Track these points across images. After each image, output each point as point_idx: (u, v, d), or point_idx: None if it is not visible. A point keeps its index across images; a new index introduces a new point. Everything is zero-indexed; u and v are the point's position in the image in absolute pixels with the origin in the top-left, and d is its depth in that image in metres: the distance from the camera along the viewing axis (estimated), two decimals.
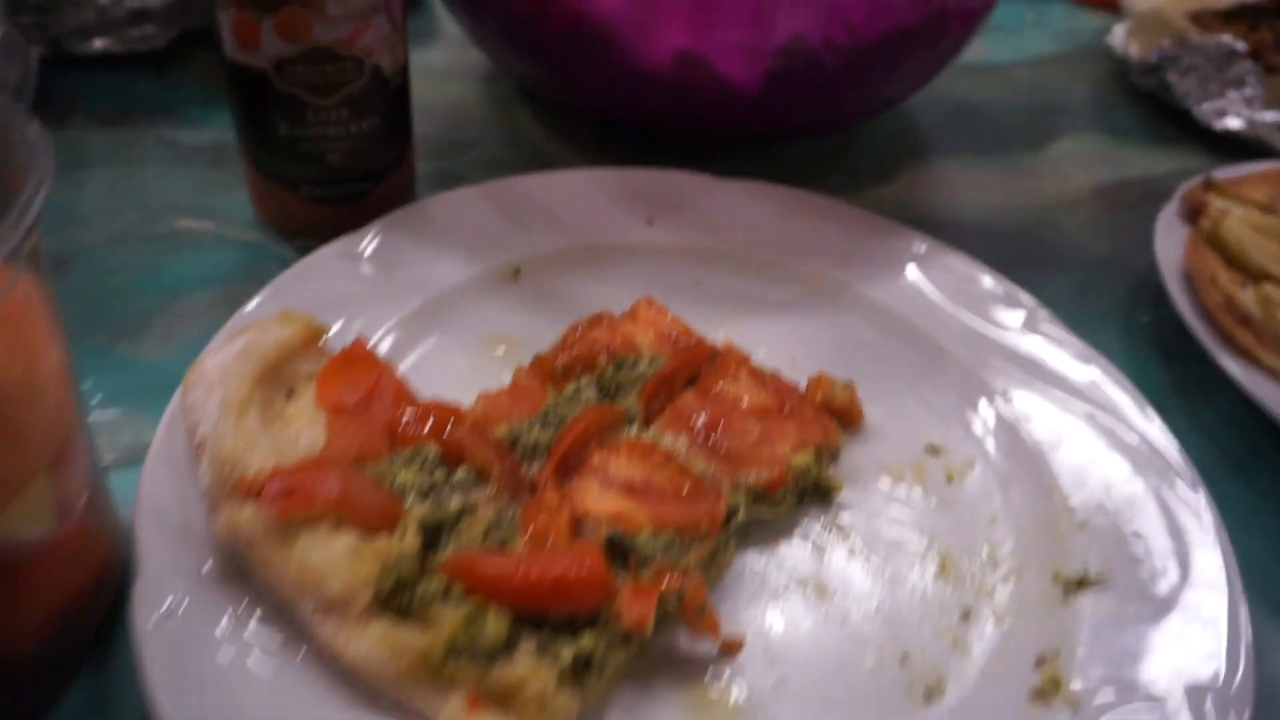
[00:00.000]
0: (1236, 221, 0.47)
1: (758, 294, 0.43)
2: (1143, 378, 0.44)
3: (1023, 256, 0.51)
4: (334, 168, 0.42)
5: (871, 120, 0.60)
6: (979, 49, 0.73)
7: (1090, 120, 0.66)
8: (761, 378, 0.36)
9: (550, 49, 0.48)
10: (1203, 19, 0.68)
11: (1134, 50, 0.67)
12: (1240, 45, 0.62)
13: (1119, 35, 0.69)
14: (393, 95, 0.42)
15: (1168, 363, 0.44)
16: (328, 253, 0.39)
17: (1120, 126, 0.65)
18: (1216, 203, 0.49)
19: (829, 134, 0.58)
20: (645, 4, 0.43)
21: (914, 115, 0.63)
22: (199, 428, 0.29)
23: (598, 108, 0.52)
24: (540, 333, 0.40)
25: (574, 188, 0.45)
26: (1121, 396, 0.37)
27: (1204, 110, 0.62)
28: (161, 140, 0.52)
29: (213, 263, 0.44)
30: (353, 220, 0.43)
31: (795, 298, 0.43)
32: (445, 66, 0.62)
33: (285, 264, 0.44)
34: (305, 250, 0.41)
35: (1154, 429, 0.36)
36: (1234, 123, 0.61)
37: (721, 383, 0.36)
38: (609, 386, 0.35)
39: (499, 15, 0.48)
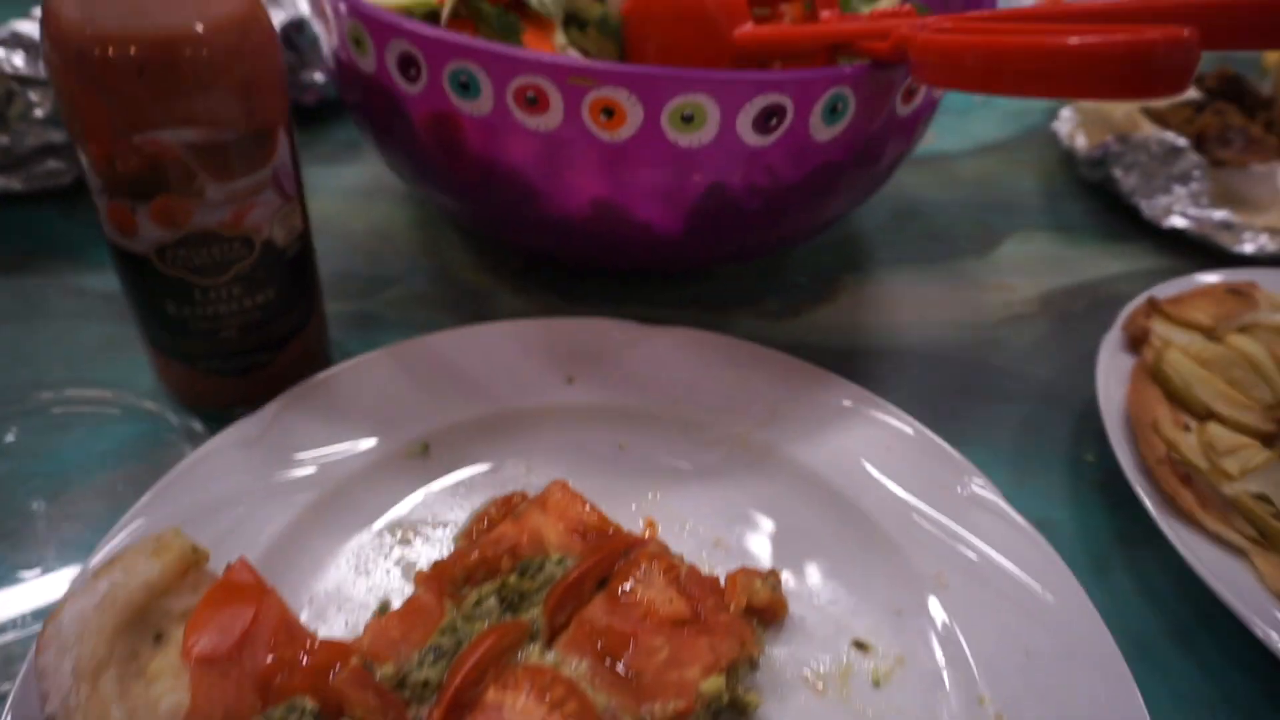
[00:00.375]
0: (1179, 355, 0.46)
1: (682, 458, 0.41)
2: (1087, 528, 0.42)
3: (966, 385, 0.49)
4: (230, 342, 0.40)
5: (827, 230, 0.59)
6: (925, 135, 0.72)
7: (1038, 216, 0.64)
8: (677, 575, 0.34)
9: (465, 191, 0.46)
10: (1151, 109, 0.67)
11: (1080, 143, 0.66)
12: (1182, 141, 0.61)
13: (1065, 123, 0.68)
14: (290, 264, 0.40)
15: (1113, 510, 0.43)
16: (218, 445, 0.37)
17: (1068, 222, 0.64)
18: (1159, 330, 0.48)
19: (764, 258, 0.56)
20: (555, 157, 0.41)
21: (856, 219, 0.61)
22: (49, 698, 0.27)
23: (521, 244, 0.50)
24: (450, 518, 0.38)
25: (489, 345, 0.43)
26: (1059, 581, 0.35)
27: (1150, 208, 0.61)
28: (66, 288, 0.50)
29: (110, 440, 0.41)
30: (259, 388, 0.41)
31: (721, 462, 0.41)
32: (370, 185, 0.60)
33: (190, 438, 0.42)
34: (212, 420, 0.39)
35: (1092, 625, 0.34)
36: (1179, 221, 0.60)
37: (634, 583, 0.34)
38: (511, 597, 0.33)
39: (410, 155, 0.46)
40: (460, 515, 0.38)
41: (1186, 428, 0.43)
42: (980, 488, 0.38)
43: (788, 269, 0.56)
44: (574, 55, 0.51)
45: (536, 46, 0.49)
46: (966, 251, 0.60)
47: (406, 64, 0.41)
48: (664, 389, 0.43)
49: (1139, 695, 0.31)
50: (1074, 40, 0.25)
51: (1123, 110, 0.63)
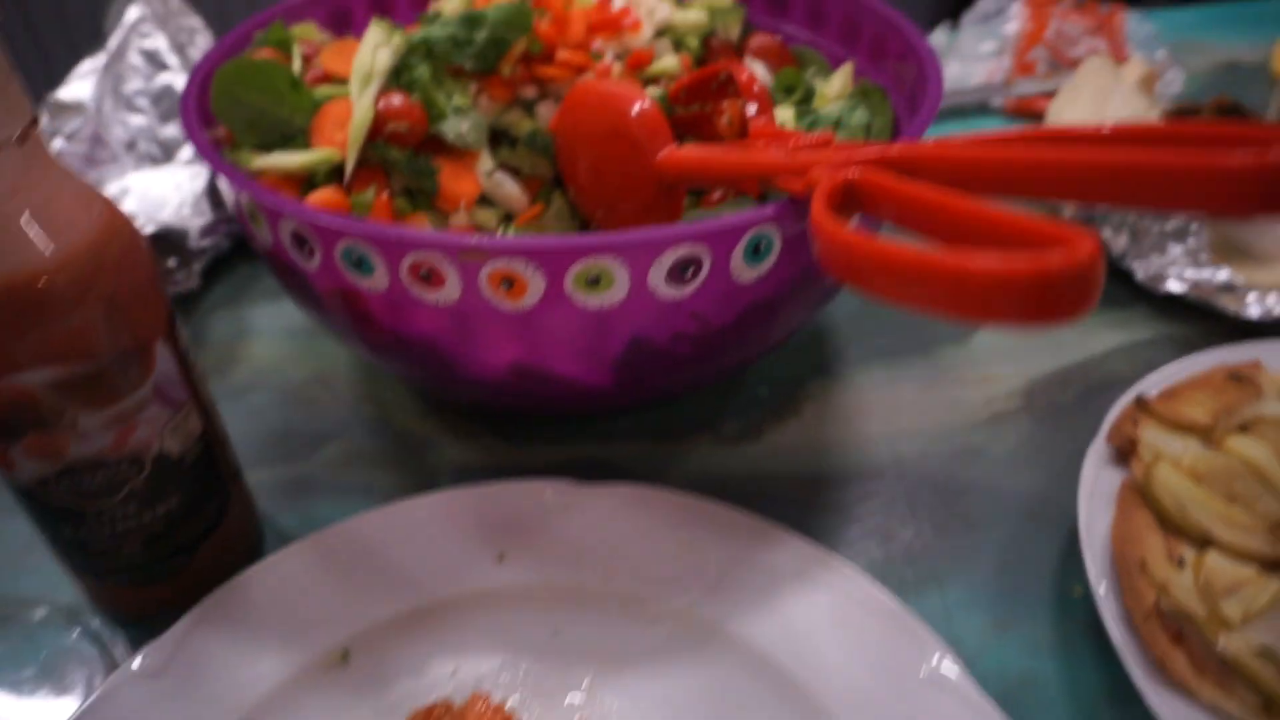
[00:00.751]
0: (1170, 471, 0.41)
1: (621, 641, 0.38)
2: (1075, 681, 0.38)
3: (943, 509, 0.45)
4: (135, 555, 0.38)
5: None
6: None
7: None
8: None
9: (381, 354, 0.44)
10: None
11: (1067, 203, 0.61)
12: None
13: None
14: (193, 468, 0.38)
15: (1103, 658, 0.39)
16: (121, 680, 0.35)
17: None
18: (1148, 438, 0.43)
19: (715, 384, 0.53)
20: (461, 328, 0.39)
21: (824, 311, 0.58)
22: None
23: (453, 395, 0.48)
24: None
25: (417, 524, 0.41)
26: None
27: (1145, 271, 0.57)
28: None
29: (17, 657, 0.40)
30: (182, 588, 0.39)
31: (662, 643, 0.38)
32: (313, 324, 0.58)
33: (102, 650, 0.40)
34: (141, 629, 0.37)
35: None
36: (1175, 286, 0.55)
37: None
38: None
39: (322, 320, 0.44)
40: None
41: (1181, 562, 0.39)
42: (943, 666, 0.35)
43: (747, 380, 0.53)
44: (502, 180, 0.48)
45: (458, 181, 0.47)
46: (944, 339, 0.56)
47: (300, 241, 0.39)
48: (602, 560, 0.40)
49: None
50: (975, 265, 0.21)
51: None
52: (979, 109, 0.78)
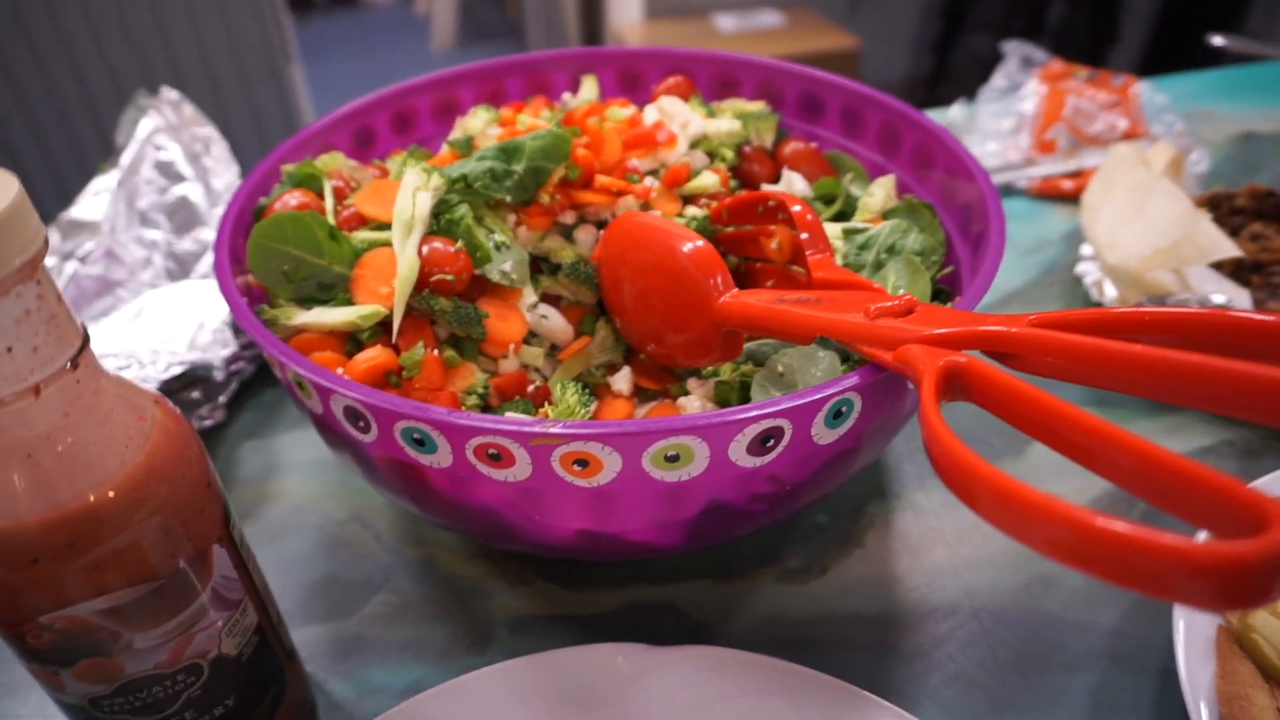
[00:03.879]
0: (1265, 619, 0.40)
1: None
2: None
3: (1021, 650, 0.43)
4: None
5: None
6: None
7: (1074, 390, 0.58)
8: None
9: (438, 519, 0.42)
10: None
11: (1109, 294, 0.60)
12: (1222, 297, 0.55)
13: (1089, 271, 0.63)
14: (250, 662, 0.36)
15: None
16: None
17: (1107, 395, 0.58)
18: None
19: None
20: (529, 501, 0.37)
21: None
22: None
23: (513, 552, 0.46)
24: None
25: (477, 701, 0.38)
26: None
27: None
28: None
29: None
30: None
31: None
32: None
33: None
34: None
35: None
36: None
37: None
38: None
39: (376, 483, 0.42)
40: None
41: None
42: None
43: (806, 514, 0.51)
44: (547, 313, 0.47)
45: (506, 323, 0.45)
46: (1002, 452, 0.54)
47: (354, 416, 0.37)
48: None
49: None
50: (1163, 541, 0.19)
51: (1148, 275, 0.57)
52: (1002, 189, 0.78)
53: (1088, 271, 0.63)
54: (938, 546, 0.49)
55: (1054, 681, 0.42)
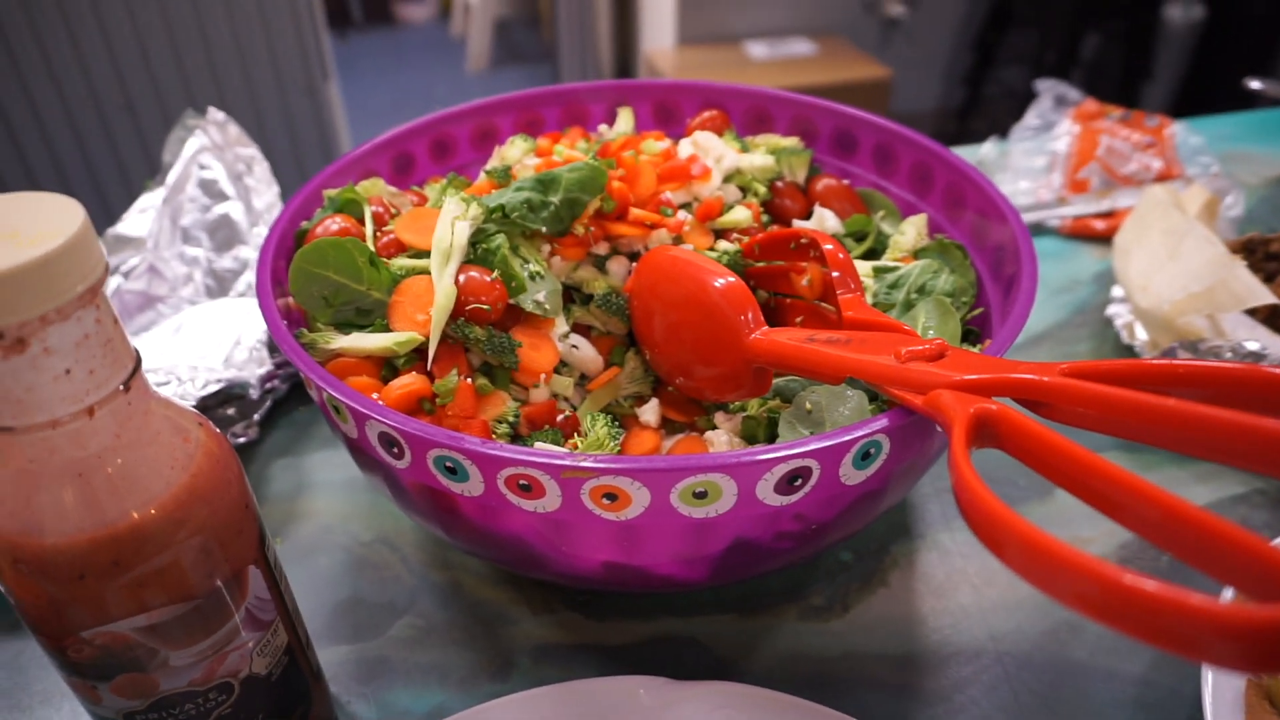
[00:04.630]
0: None
1: None
2: None
3: (1045, 698, 0.43)
4: None
5: None
6: None
7: (1100, 437, 0.58)
8: None
9: (466, 545, 0.42)
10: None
11: (1140, 338, 0.60)
12: (1256, 344, 0.55)
13: (1120, 314, 0.63)
14: (279, 682, 0.36)
15: None
16: None
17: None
18: None
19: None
20: (558, 531, 0.37)
21: None
22: None
23: (538, 580, 0.46)
24: None
25: None
26: None
27: None
28: None
29: None
30: None
31: None
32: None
33: None
34: None
35: None
36: None
37: None
38: None
39: (407, 507, 0.42)
40: None
41: None
42: None
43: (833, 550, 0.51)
44: (579, 343, 0.47)
45: (538, 353, 0.45)
46: (1028, 495, 0.54)
47: (389, 442, 0.37)
48: None
49: None
50: (1197, 603, 0.20)
51: (1178, 319, 0.57)
52: (1034, 228, 0.78)
53: (1119, 314, 0.63)
54: (962, 588, 0.48)
55: None
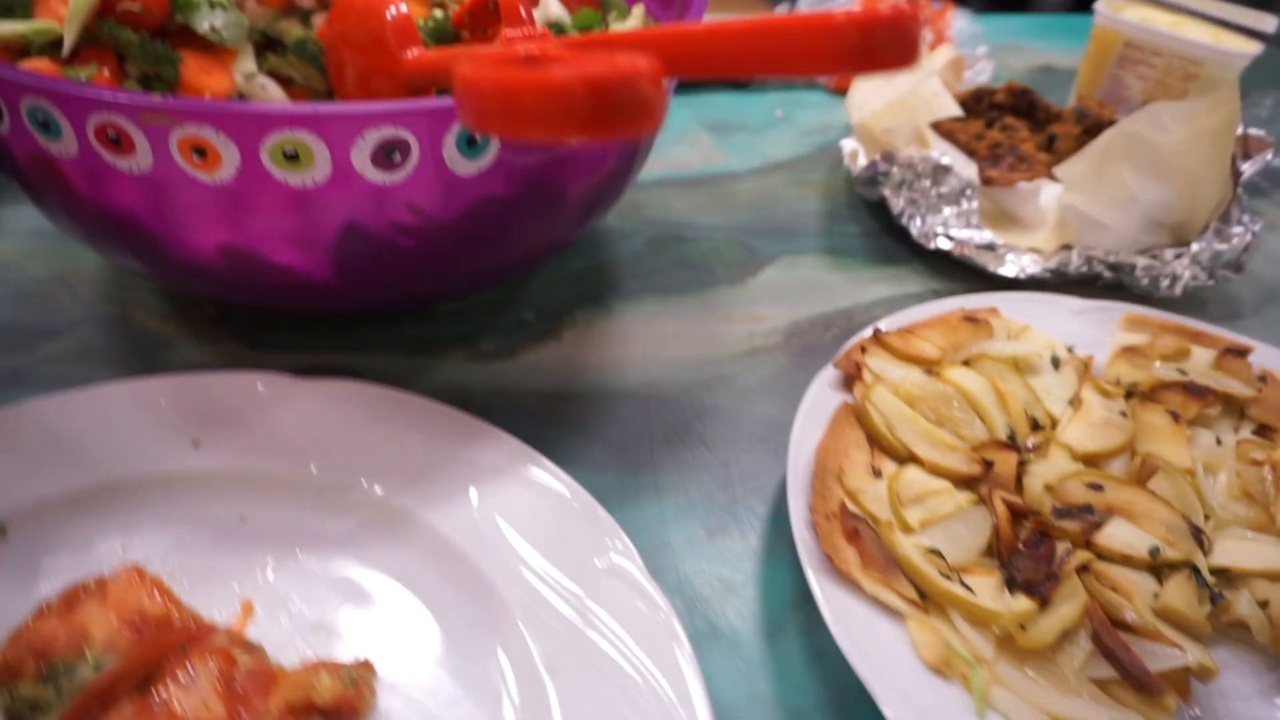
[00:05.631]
0: (885, 394, 0.43)
1: (309, 528, 0.37)
2: (770, 588, 0.39)
3: (677, 429, 0.46)
4: None
5: (547, 261, 0.55)
6: (711, 155, 0.69)
7: (811, 240, 0.61)
8: (232, 675, 0.30)
9: (89, 235, 0.42)
10: (941, 125, 0.64)
11: (857, 162, 0.63)
12: (947, 159, 0.58)
13: (849, 145, 0.66)
14: None
15: (798, 564, 0.39)
16: None
17: (841, 246, 0.61)
18: (873, 365, 0.45)
19: (476, 301, 0.52)
20: (160, 200, 0.37)
21: (608, 247, 0.58)
22: None
23: (179, 288, 0.46)
24: (18, 614, 0.33)
25: (104, 409, 0.39)
26: (675, 665, 0.32)
27: (919, 229, 0.59)
28: None
29: None
30: None
31: (351, 531, 0.37)
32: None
33: None
34: None
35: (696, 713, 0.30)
36: (944, 243, 0.57)
37: (175, 687, 0.29)
38: (22, 709, 0.29)
39: (32, 195, 0.41)
40: (30, 609, 0.34)
41: (878, 474, 0.40)
42: (620, 556, 0.35)
43: (516, 304, 0.52)
44: (265, 84, 0.47)
45: (207, 78, 0.45)
46: (722, 280, 0.56)
47: None
48: (304, 451, 0.39)
49: None
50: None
51: (882, 131, 0.60)
52: (807, 84, 0.80)
53: (847, 144, 0.66)
54: (632, 347, 0.51)
55: (696, 455, 0.44)
